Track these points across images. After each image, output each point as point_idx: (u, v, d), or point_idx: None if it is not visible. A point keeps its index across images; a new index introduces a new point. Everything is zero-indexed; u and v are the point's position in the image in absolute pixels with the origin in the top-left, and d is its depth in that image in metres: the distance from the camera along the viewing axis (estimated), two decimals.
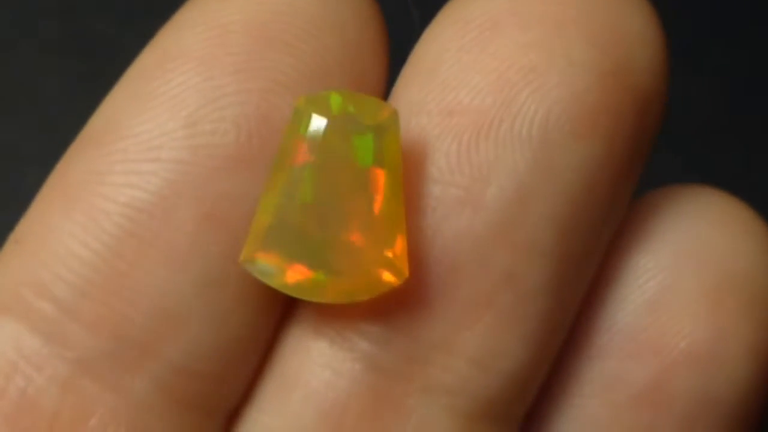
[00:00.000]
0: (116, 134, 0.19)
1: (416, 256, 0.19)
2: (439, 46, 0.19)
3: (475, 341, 0.19)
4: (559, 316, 0.20)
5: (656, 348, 0.20)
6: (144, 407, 0.19)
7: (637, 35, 0.19)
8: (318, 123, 0.18)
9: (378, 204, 0.18)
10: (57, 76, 0.37)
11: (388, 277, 0.18)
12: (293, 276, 0.18)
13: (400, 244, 0.18)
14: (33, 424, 0.19)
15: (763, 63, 0.38)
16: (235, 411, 0.20)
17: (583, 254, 0.20)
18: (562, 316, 0.20)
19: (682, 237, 0.21)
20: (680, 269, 0.21)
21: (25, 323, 0.19)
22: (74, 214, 0.18)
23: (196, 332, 0.19)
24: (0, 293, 0.19)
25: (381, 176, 0.18)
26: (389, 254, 0.18)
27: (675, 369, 0.20)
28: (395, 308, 0.19)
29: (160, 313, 0.18)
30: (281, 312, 0.20)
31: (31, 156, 0.35)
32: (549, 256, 0.19)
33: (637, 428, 0.21)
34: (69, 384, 0.19)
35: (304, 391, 0.19)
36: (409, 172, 0.19)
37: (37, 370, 0.19)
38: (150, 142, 0.18)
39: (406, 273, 0.18)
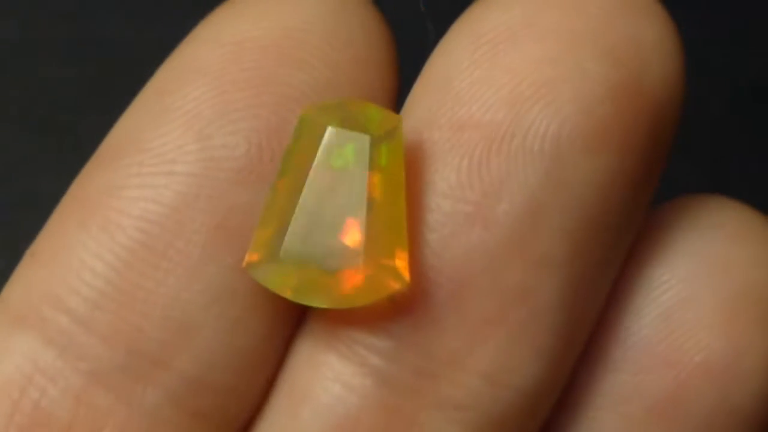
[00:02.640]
0: (132, 149, 0.19)
1: (426, 271, 0.19)
2: (452, 59, 0.19)
3: (487, 357, 0.19)
4: (573, 332, 0.20)
5: (672, 361, 0.20)
6: (156, 419, 0.19)
7: (653, 45, 0.19)
8: (323, 130, 0.18)
9: (379, 210, 0.18)
10: (70, 83, 0.37)
11: (389, 281, 0.18)
12: (293, 281, 0.18)
13: (401, 251, 0.18)
14: None
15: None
16: (246, 424, 0.20)
17: (598, 269, 0.19)
18: (577, 332, 0.20)
19: (698, 248, 0.21)
20: (696, 281, 0.20)
21: (40, 336, 0.19)
22: (89, 228, 0.19)
23: (209, 343, 0.19)
24: (16, 306, 0.19)
25: (383, 184, 0.18)
26: (390, 260, 0.18)
27: (691, 382, 0.20)
28: (406, 324, 0.19)
29: (173, 325, 0.19)
30: (293, 324, 0.20)
31: (44, 163, 0.35)
32: (562, 272, 0.19)
33: None
34: (82, 396, 0.19)
35: (314, 405, 0.19)
36: (419, 186, 0.19)
37: (51, 382, 0.19)
38: (164, 156, 0.19)
39: (408, 279, 0.18)
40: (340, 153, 0.18)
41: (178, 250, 0.18)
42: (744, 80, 0.37)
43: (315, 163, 0.18)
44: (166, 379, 0.19)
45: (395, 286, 0.18)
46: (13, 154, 0.36)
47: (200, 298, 0.19)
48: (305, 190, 0.18)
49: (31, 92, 0.37)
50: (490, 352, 0.19)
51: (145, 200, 0.19)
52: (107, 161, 0.19)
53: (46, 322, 0.19)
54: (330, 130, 0.18)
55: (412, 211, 0.19)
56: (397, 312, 0.19)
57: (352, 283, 0.18)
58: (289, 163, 0.18)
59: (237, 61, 0.19)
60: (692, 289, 0.20)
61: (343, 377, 0.19)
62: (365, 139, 0.18)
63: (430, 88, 0.19)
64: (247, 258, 0.18)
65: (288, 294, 0.18)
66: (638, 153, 0.19)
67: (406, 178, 0.19)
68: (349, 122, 0.18)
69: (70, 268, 0.19)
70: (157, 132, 0.19)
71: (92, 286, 0.19)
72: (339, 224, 0.18)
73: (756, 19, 0.38)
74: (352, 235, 0.18)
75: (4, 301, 0.19)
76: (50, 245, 0.19)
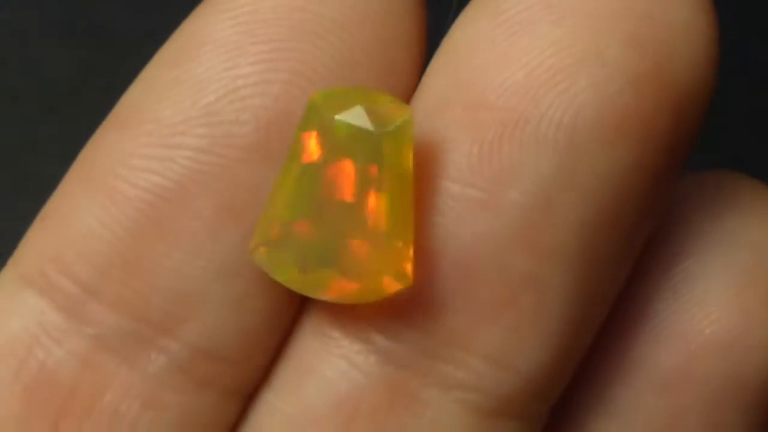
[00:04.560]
0: (140, 118, 0.19)
1: (431, 255, 0.18)
2: (470, 37, 0.18)
3: (493, 339, 0.19)
4: (584, 319, 0.19)
5: (682, 334, 0.20)
6: (161, 384, 0.19)
7: (680, 29, 0.18)
8: (330, 121, 0.18)
9: (385, 207, 0.18)
10: (73, 66, 0.37)
11: (391, 282, 0.18)
12: (296, 273, 0.18)
13: (405, 249, 0.18)
14: (51, 395, 0.19)
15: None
16: (250, 393, 0.20)
17: (612, 259, 0.19)
18: (589, 319, 0.19)
19: (710, 223, 0.20)
20: (708, 255, 0.20)
21: (48, 298, 0.19)
22: (97, 195, 0.19)
23: (214, 316, 0.19)
24: (25, 266, 0.19)
25: (391, 179, 0.18)
26: (394, 259, 0.18)
27: (700, 354, 0.20)
28: (412, 305, 0.19)
29: (178, 297, 0.19)
30: (299, 300, 0.19)
31: (49, 145, 0.35)
32: (574, 262, 0.18)
33: (662, 412, 0.21)
34: (88, 359, 0.19)
35: (318, 380, 0.19)
36: (429, 169, 0.18)
37: (57, 344, 0.19)
38: (172, 128, 0.18)
39: (411, 279, 0.18)
40: (347, 145, 0.18)
41: (184, 226, 0.18)
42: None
43: (322, 154, 0.18)
44: (171, 346, 0.19)
45: (398, 286, 0.18)
46: (12, 138, 0.36)
47: (207, 274, 0.19)
48: (311, 182, 0.18)
49: (30, 75, 0.37)
50: (495, 335, 0.19)
51: (151, 172, 0.18)
52: (117, 128, 0.19)
53: (53, 286, 0.19)
54: (338, 122, 0.18)
55: (420, 194, 0.18)
56: (404, 293, 0.19)
57: (356, 281, 0.18)
58: (296, 150, 0.18)
59: (248, 34, 0.18)
60: (704, 264, 0.20)
61: (349, 354, 0.19)
62: (374, 133, 0.18)
63: (445, 66, 0.19)
64: (252, 244, 0.18)
65: (291, 285, 0.18)
66: (659, 145, 0.18)
67: (417, 158, 0.18)
68: (358, 113, 0.18)
69: (77, 235, 0.19)
70: (166, 103, 0.18)
71: (99, 254, 0.19)
72: (344, 220, 0.18)
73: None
74: (357, 233, 0.18)
75: (15, 261, 0.19)
76: (60, 210, 0.19)
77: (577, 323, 0.19)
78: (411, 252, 0.18)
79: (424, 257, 0.18)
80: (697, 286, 0.20)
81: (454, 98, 0.18)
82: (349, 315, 0.19)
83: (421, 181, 0.18)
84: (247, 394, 0.20)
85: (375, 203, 0.18)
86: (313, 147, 0.18)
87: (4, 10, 0.37)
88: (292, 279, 0.18)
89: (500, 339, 0.19)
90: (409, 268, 0.18)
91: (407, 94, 0.19)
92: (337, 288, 0.18)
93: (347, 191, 0.18)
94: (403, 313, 0.19)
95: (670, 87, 0.18)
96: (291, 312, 0.20)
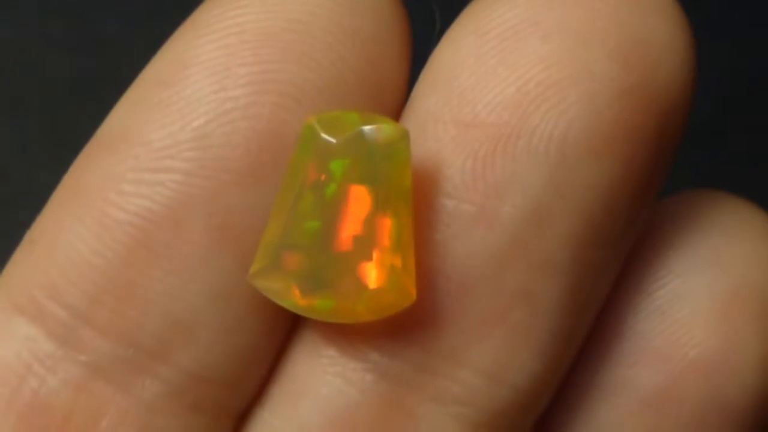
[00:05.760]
0: (129, 141, 0.18)
1: (428, 271, 0.19)
2: (457, 55, 0.19)
3: (487, 354, 0.19)
4: (573, 331, 0.20)
5: (666, 355, 0.20)
6: (155, 409, 0.19)
7: (663, 45, 0.18)
8: (327, 144, 0.18)
9: (386, 228, 0.18)
10: (66, 77, 0.37)
11: (394, 300, 0.18)
12: (299, 297, 0.18)
13: (407, 267, 0.18)
14: (46, 424, 0.19)
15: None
16: (244, 414, 0.20)
17: (600, 270, 0.19)
18: (577, 331, 0.20)
19: (695, 244, 0.21)
20: (692, 277, 0.20)
21: (39, 325, 0.19)
22: (86, 220, 0.19)
23: (206, 341, 0.19)
24: (15, 293, 0.19)
25: (390, 200, 0.18)
26: (397, 279, 0.18)
27: (684, 376, 0.20)
28: (406, 322, 0.19)
29: (171, 322, 0.19)
30: (292, 321, 0.20)
31: (42, 156, 0.35)
32: (565, 274, 0.19)
33: None
34: (81, 386, 0.19)
35: (314, 398, 0.19)
36: (422, 185, 0.19)
37: (51, 372, 0.19)
38: (161, 151, 0.18)
39: (413, 296, 0.18)
40: (345, 169, 0.18)
41: (175, 250, 0.18)
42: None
43: (321, 177, 0.18)
44: (165, 372, 0.19)
45: (401, 304, 0.18)
46: (11, 147, 0.36)
47: (199, 298, 0.18)
48: (310, 205, 0.18)
49: (29, 86, 0.37)
50: (489, 350, 0.19)
51: (141, 197, 0.18)
52: (103, 151, 0.19)
53: (44, 313, 0.19)
54: (336, 145, 0.18)
55: (416, 211, 0.18)
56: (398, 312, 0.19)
57: (358, 301, 0.18)
58: (293, 173, 0.18)
59: (236, 55, 0.18)
60: (688, 285, 0.20)
61: (344, 372, 0.19)
62: (373, 155, 0.18)
63: (435, 83, 0.19)
64: (252, 269, 0.18)
65: (294, 309, 0.18)
66: (645, 156, 0.19)
67: (412, 176, 0.18)
68: (355, 137, 0.18)
69: (68, 261, 0.19)
70: (154, 126, 0.18)
71: (90, 281, 0.18)
72: (343, 244, 0.18)
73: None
74: (358, 256, 0.18)
75: (4, 286, 0.19)
76: (48, 235, 0.19)
77: (566, 335, 0.19)
78: (413, 269, 0.18)
79: (421, 274, 0.19)
80: (681, 308, 0.20)
81: (445, 115, 0.19)
82: (344, 333, 0.19)
83: (417, 199, 0.19)
84: (241, 416, 0.20)
85: (377, 223, 0.18)
86: (310, 171, 0.18)
87: (3, 21, 0.37)
88: (295, 303, 0.18)
89: (494, 353, 0.19)
90: (412, 285, 0.18)
91: (396, 111, 0.19)
92: (341, 310, 0.18)
93: (348, 213, 0.18)
94: (399, 330, 0.19)
95: (654, 99, 0.18)
96: (284, 331, 0.20)
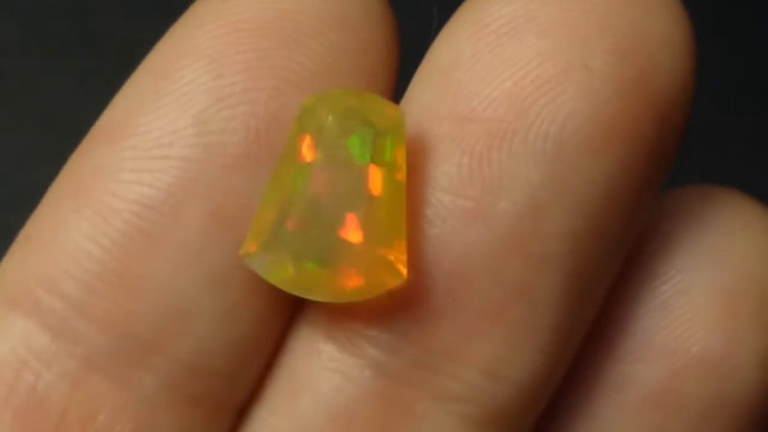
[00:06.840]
0: (126, 131, 0.19)
1: (425, 266, 0.19)
2: (454, 49, 0.19)
3: (486, 351, 0.19)
4: (573, 327, 0.19)
5: (668, 352, 0.20)
6: (152, 403, 0.19)
7: (662, 40, 0.18)
8: (324, 121, 0.18)
9: (379, 204, 0.18)
10: (65, 75, 0.37)
11: (386, 278, 0.18)
12: (290, 272, 0.18)
13: (399, 246, 0.18)
14: (42, 420, 0.19)
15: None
16: (243, 409, 0.20)
17: (600, 266, 0.19)
18: (577, 327, 0.20)
19: (696, 239, 0.21)
20: (694, 273, 0.20)
21: (35, 319, 0.19)
22: (84, 211, 0.19)
23: (204, 330, 0.19)
24: (10, 289, 0.19)
25: (384, 177, 0.18)
26: (388, 255, 0.18)
27: (686, 373, 0.20)
28: (404, 317, 0.19)
29: (168, 310, 0.19)
30: (290, 312, 0.20)
31: (39, 154, 0.35)
32: (563, 269, 0.19)
33: (647, 430, 0.21)
34: (78, 380, 0.19)
35: (313, 394, 0.19)
36: (420, 180, 0.19)
37: (47, 366, 0.19)
38: (160, 139, 0.18)
39: (405, 275, 0.18)
40: (342, 145, 0.18)
41: (174, 236, 0.18)
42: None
43: (317, 155, 0.18)
44: (161, 364, 0.19)
45: (392, 282, 0.18)
46: (11, 147, 0.36)
47: (196, 285, 0.18)
48: (305, 181, 0.18)
49: (29, 86, 0.37)
50: (488, 346, 0.19)
51: (141, 184, 0.18)
52: (100, 143, 0.19)
53: (40, 306, 0.19)
54: (333, 122, 0.18)
55: (412, 206, 0.18)
56: (397, 305, 0.19)
57: (350, 279, 0.18)
58: (290, 152, 0.18)
59: (232, 43, 0.18)
60: (690, 281, 0.20)
61: (343, 368, 0.19)
62: (369, 133, 0.18)
63: (431, 78, 0.19)
64: (244, 247, 0.18)
65: (285, 286, 0.18)
66: (644, 152, 0.18)
67: (408, 170, 0.18)
68: (352, 114, 0.18)
69: (64, 252, 0.18)
70: (152, 115, 0.18)
71: (87, 270, 0.18)
72: (339, 219, 0.18)
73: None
74: (352, 231, 0.18)
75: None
76: (45, 228, 0.19)
77: (566, 331, 0.19)
78: (404, 247, 0.18)
79: (418, 269, 0.19)
80: (683, 304, 0.20)
81: (441, 110, 0.19)
82: (343, 325, 0.19)
83: (413, 194, 0.19)
84: (239, 410, 0.20)
85: (370, 200, 0.18)
86: (306, 148, 0.18)
87: (3, 21, 0.37)
88: (286, 279, 0.18)
89: (493, 349, 0.19)
90: (403, 263, 0.18)
91: (387, 96, 0.19)
92: (332, 286, 0.18)
93: (342, 189, 0.18)
94: (397, 326, 0.19)
95: (653, 94, 0.18)
96: (281, 323, 0.20)
